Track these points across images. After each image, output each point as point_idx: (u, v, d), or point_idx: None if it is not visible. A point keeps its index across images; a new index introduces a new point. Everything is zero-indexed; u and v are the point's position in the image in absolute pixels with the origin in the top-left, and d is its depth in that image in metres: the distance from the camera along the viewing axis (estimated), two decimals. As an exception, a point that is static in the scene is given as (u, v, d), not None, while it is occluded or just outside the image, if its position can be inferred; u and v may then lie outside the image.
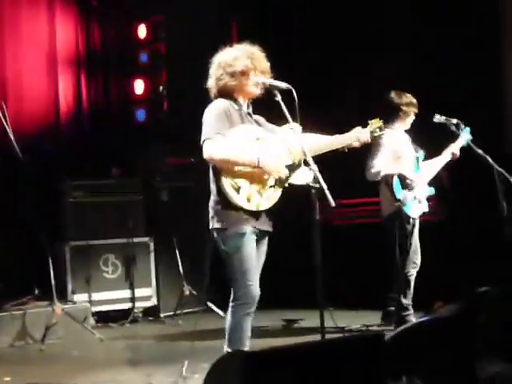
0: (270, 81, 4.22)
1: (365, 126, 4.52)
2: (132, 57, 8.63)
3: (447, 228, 6.97)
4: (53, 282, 6.37)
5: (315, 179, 3.96)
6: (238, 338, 4.11)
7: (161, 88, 8.50)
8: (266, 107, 4.26)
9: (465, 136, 6.08)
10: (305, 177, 4.17)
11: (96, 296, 7.25)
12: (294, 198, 4.17)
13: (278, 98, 4.12)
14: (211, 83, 4.31)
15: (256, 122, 4.35)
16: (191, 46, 7.79)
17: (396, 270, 5.93)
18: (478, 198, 6.86)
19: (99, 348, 6.29)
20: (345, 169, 6.43)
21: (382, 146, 5.89)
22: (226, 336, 4.15)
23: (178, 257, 7.45)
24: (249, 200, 4.09)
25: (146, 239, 7.64)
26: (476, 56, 7.07)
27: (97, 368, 5.48)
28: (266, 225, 4.22)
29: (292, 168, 4.24)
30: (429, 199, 6.07)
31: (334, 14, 7.82)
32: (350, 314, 6.66)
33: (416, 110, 6.10)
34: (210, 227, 4.21)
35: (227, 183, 4.07)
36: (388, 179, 5.88)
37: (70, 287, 7.18)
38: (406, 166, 5.94)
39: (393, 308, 6.11)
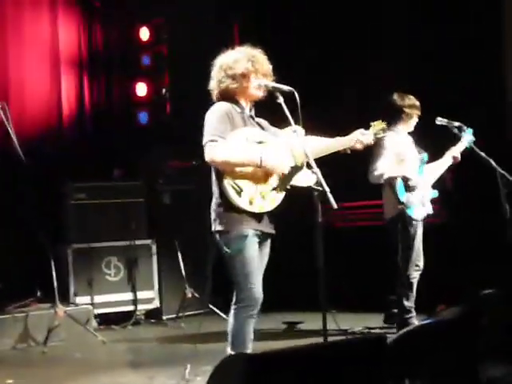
0: (272, 83, 4.21)
1: (364, 125, 4.48)
2: (134, 59, 8.62)
3: (450, 230, 6.95)
4: (55, 284, 6.36)
5: (318, 182, 3.96)
6: (240, 340, 4.10)
7: (163, 90, 8.49)
8: (269, 110, 4.25)
9: (467, 138, 6.05)
10: (307, 179, 4.16)
11: (98, 298, 7.26)
12: (296, 201, 4.17)
13: (281, 100, 4.11)
14: (213, 85, 4.30)
15: (258, 124, 4.34)
16: (193, 47, 7.79)
17: (398, 273, 5.91)
18: (480, 201, 6.83)
19: (101, 350, 6.28)
20: (347, 171, 6.43)
21: (384, 148, 5.86)
22: (229, 339, 4.14)
23: (181, 259, 7.44)
24: (251, 202, 4.08)
25: (148, 242, 7.63)
26: (475, 54, 7.03)
27: (99, 370, 5.47)
28: (268, 227, 4.21)
29: (295, 170, 4.23)
30: (432, 202, 6.06)
31: (332, 12, 7.81)
32: (352, 317, 6.64)
33: (419, 112, 6.08)
34: (212, 229, 4.20)
35: (229, 185, 4.06)
36: (391, 182, 5.87)
37: (72, 289, 7.17)
38: (410, 168, 5.92)
39: (395, 310, 6.10)
